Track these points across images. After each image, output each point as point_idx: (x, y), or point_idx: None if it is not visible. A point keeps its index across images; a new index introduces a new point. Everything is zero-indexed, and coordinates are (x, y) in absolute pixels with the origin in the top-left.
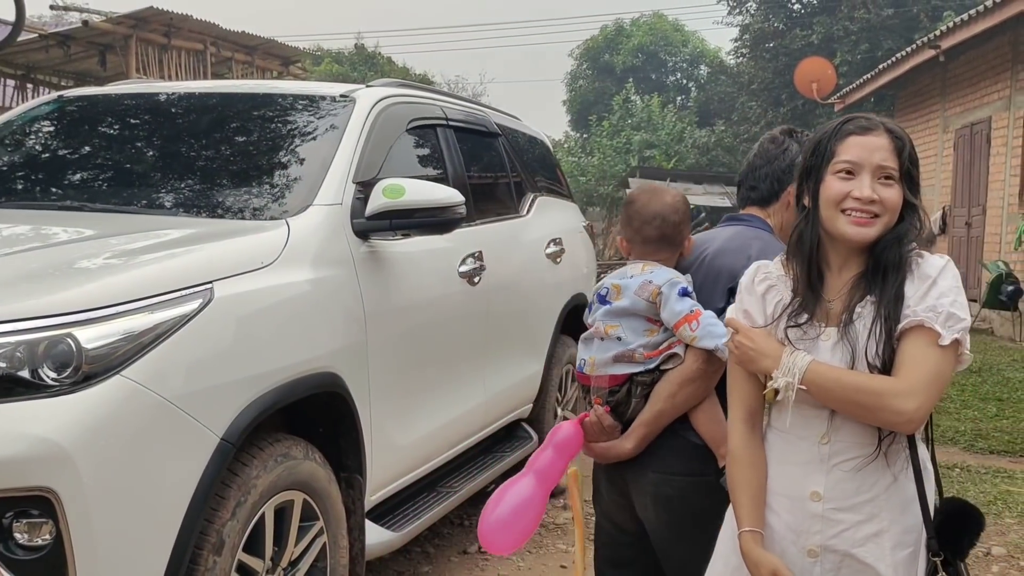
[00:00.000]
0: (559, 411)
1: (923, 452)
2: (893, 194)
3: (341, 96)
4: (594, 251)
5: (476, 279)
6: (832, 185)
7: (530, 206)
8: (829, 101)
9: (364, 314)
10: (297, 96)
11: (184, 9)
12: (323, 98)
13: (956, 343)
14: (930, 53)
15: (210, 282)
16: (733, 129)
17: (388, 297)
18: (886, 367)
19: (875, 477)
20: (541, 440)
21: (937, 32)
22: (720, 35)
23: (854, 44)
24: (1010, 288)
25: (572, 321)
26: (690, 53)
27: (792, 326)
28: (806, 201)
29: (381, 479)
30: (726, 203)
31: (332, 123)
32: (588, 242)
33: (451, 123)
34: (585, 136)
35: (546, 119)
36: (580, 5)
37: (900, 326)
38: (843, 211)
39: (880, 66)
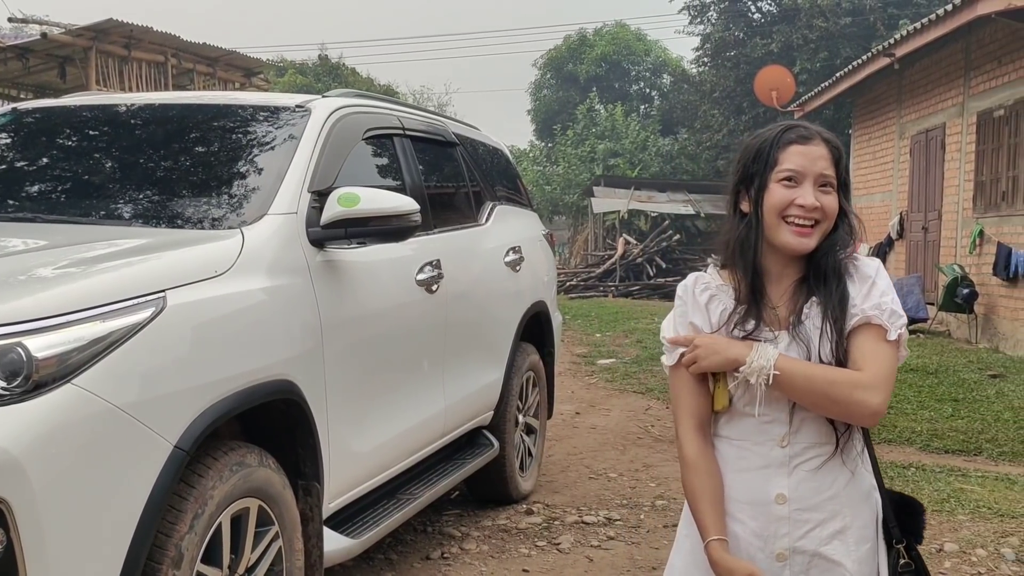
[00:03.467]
0: (520, 418)
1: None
2: (832, 201)
3: (297, 107)
4: (554, 259)
5: (434, 287)
6: (776, 192)
7: (489, 215)
8: (789, 108)
9: (320, 322)
10: (253, 107)
11: (145, 21)
12: (279, 109)
13: (899, 338)
14: (885, 61)
15: (163, 291)
16: (696, 137)
17: (344, 305)
18: (840, 364)
19: (835, 474)
20: (502, 448)
21: (892, 40)
22: (682, 44)
23: (813, 52)
24: (965, 291)
25: (532, 329)
26: (653, 62)
27: (742, 334)
28: (744, 207)
29: (339, 486)
30: (690, 211)
31: (288, 133)
32: (548, 250)
33: (408, 133)
34: (550, 145)
35: (511, 129)
36: (543, 15)
37: (849, 324)
38: (785, 219)
39: (838, 74)
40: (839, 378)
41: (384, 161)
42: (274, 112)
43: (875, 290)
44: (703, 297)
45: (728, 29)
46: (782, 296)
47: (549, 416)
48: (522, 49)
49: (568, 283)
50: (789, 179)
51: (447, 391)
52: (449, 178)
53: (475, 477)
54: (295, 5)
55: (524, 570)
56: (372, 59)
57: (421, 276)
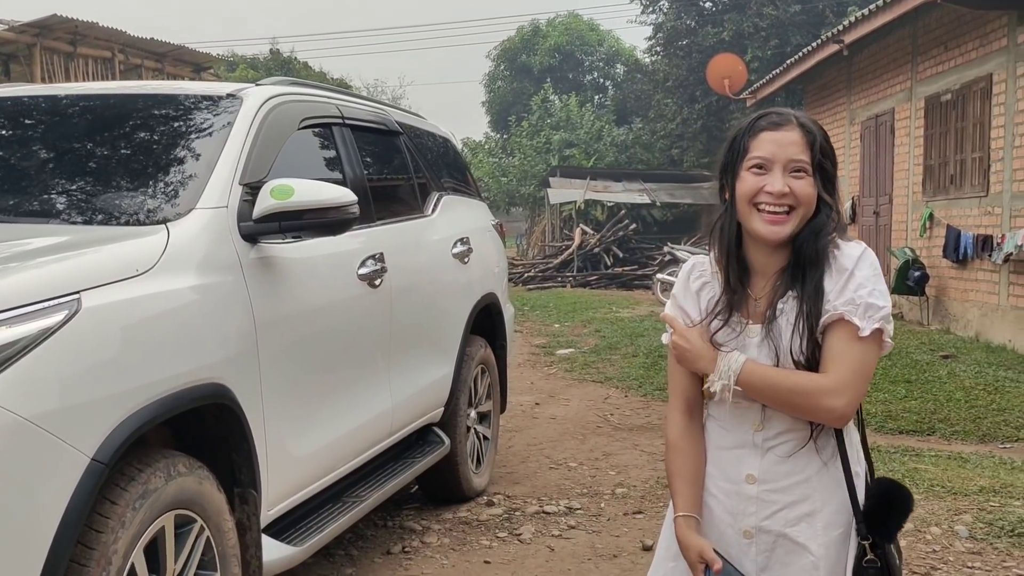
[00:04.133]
0: (472, 413)
1: (855, 436)
2: (804, 187)
3: (228, 95)
4: (504, 250)
5: (377, 281)
6: (746, 180)
7: (435, 206)
8: (741, 96)
9: (254, 321)
10: (182, 96)
11: (93, 17)
12: (210, 98)
13: (878, 332)
14: (835, 47)
15: (77, 292)
16: (650, 126)
17: (280, 303)
18: (811, 362)
19: (807, 459)
20: (454, 445)
21: (841, 27)
22: (635, 34)
23: (764, 40)
24: (917, 274)
25: (483, 322)
26: (606, 52)
27: (720, 325)
28: (726, 195)
29: (279, 492)
30: (646, 200)
31: (218, 123)
32: (498, 241)
33: (348, 122)
34: (505, 137)
35: (466, 121)
36: (496, 6)
37: (822, 320)
38: (757, 207)
39: (788, 61)
40: (802, 386)
41: (322, 151)
42: (204, 101)
43: (851, 282)
44: (695, 284)
45: (680, 18)
46: (765, 287)
47: (502, 410)
48: (476, 41)
49: (526, 274)
50: (759, 166)
51: (394, 389)
52: (393, 168)
53: (427, 475)
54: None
55: (486, 561)
56: (325, 53)
57: (363, 270)
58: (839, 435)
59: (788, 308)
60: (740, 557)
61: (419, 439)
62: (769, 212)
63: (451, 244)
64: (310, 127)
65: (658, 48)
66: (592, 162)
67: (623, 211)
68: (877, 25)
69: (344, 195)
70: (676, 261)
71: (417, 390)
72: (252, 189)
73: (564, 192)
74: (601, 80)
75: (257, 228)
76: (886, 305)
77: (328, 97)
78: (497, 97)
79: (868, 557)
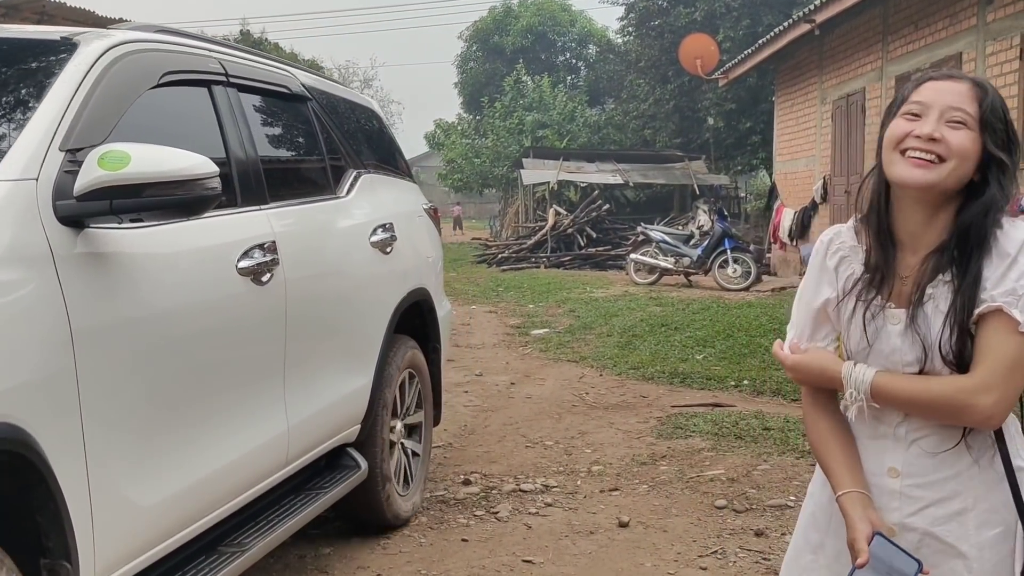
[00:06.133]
0: (399, 427)
1: (1016, 427)
2: (961, 138)
3: (63, 40)
4: (439, 237)
5: (266, 277)
6: (896, 125)
7: (352, 185)
8: (713, 77)
9: (71, 332)
10: (3, 41)
11: None
12: (38, 43)
13: None
14: (806, 27)
15: None
16: (623, 107)
17: (114, 306)
18: (960, 358)
19: (956, 454)
20: (372, 468)
21: (812, 6)
22: (607, 14)
23: (736, 20)
24: None
25: (413, 320)
26: (578, 33)
27: (859, 306)
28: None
29: (114, 557)
30: (619, 180)
31: (43, 74)
32: (431, 227)
33: (234, 80)
34: (478, 118)
35: (438, 102)
36: None
37: (977, 311)
38: (903, 153)
39: (760, 41)
40: (943, 395)
41: (194, 115)
42: (30, 47)
43: (1013, 271)
44: (833, 260)
45: None
46: (914, 266)
47: (437, 422)
48: (448, 21)
49: (500, 255)
50: (914, 113)
51: (291, 408)
52: (295, 140)
53: (343, 501)
54: None
55: (463, 540)
56: (296, 34)
57: (246, 263)
58: (998, 434)
59: (939, 294)
60: None
61: (330, 463)
62: (914, 157)
63: (370, 231)
64: (177, 83)
65: (630, 28)
66: (565, 143)
67: (596, 192)
68: (848, 5)
69: (199, 165)
70: (649, 241)
71: (323, 407)
72: (79, 158)
73: (537, 173)
74: (574, 61)
75: (80, 208)
76: None
77: (207, 50)
78: (469, 78)
79: None
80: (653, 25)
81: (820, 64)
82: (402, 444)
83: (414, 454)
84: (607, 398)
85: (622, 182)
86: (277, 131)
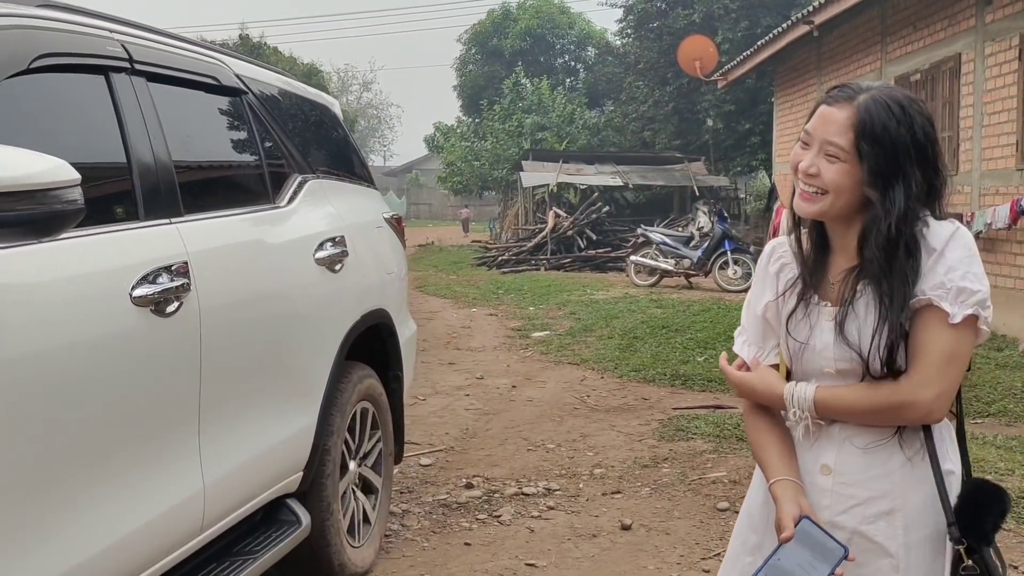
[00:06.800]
0: (352, 468)
1: (948, 430)
2: (832, 173)
3: None
4: (403, 251)
5: (172, 306)
6: (793, 152)
7: (294, 193)
8: (712, 78)
9: None
10: None
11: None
12: None
13: (972, 318)
14: (805, 28)
15: None
16: (622, 109)
17: None
18: (890, 353)
19: (888, 454)
20: (317, 522)
21: (811, 8)
22: (605, 16)
23: (734, 22)
24: None
25: (370, 346)
26: (577, 35)
27: (795, 304)
28: None
29: None
30: (618, 182)
31: None
32: (394, 240)
33: (141, 68)
34: (477, 121)
35: (437, 105)
36: None
37: (909, 304)
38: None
39: (759, 43)
40: (881, 401)
41: (80, 109)
42: None
43: (941, 265)
44: (774, 266)
45: (650, 0)
46: (844, 267)
47: (398, 460)
48: (447, 24)
49: (500, 258)
50: (804, 142)
51: (207, 464)
52: (222, 140)
53: (284, 558)
54: None
55: (466, 543)
56: (295, 38)
57: (144, 290)
58: (927, 428)
59: (868, 290)
60: None
61: (266, 518)
62: (801, 189)
63: (315, 245)
64: (57, 69)
65: (629, 30)
66: (564, 145)
67: (596, 194)
68: (847, 6)
69: (52, 170)
70: (649, 243)
71: (252, 457)
72: None
73: (537, 175)
74: (572, 63)
75: None
76: (981, 288)
77: (105, 31)
78: (468, 81)
79: (965, 564)
80: (652, 27)
81: (819, 65)
82: (355, 489)
83: (370, 494)
84: (608, 400)
85: (622, 184)
86: (199, 129)
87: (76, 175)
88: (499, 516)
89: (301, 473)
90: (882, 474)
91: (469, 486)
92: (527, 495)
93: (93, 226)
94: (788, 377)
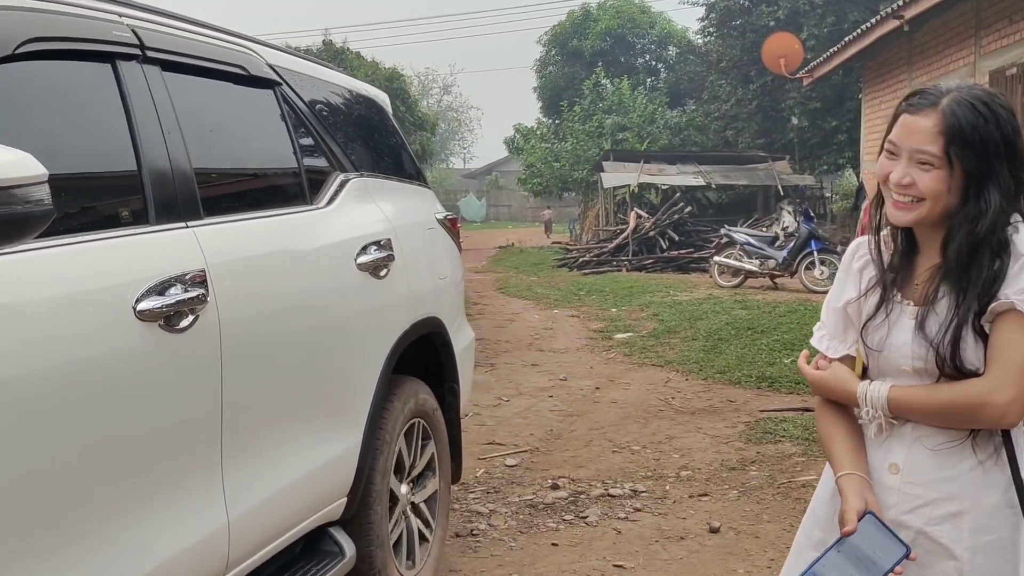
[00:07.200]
0: (403, 488)
1: None
2: (929, 181)
3: None
4: (459, 254)
5: (185, 321)
6: (881, 163)
7: (336, 193)
8: (798, 76)
9: None
10: None
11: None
12: None
13: None
14: (894, 23)
15: None
16: (704, 108)
17: None
18: (955, 352)
19: (959, 456)
20: (363, 553)
21: (901, 2)
22: (686, 15)
23: (820, 18)
24: None
25: (423, 357)
26: (658, 34)
27: (877, 303)
28: None
29: None
30: (700, 182)
31: None
32: (448, 242)
33: (154, 55)
34: (557, 122)
35: (518, 107)
36: None
37: (990, 308)
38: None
39: (846, 39)
40: (956, 401)
41: (80, 100)
42: None
43: None
44: (858, 263)
45: None
46: (929, 267)
47: (455, 480)
48: (526, 27)
49: (581, 259)
50: (891, 152)
51: (232, 496)
52: (252, 136)
53: None
54: None
55: (553, 544)
56: (377, 43)
57: (151, 303)
58: (1005, 433)
59: (951, 291)
60: None
61: (306, 549)
62: (895, 199)
63: (356, 249)
64: (52, 55)
65: (711, 29)
66: (645, 145)
67: (678, 194)
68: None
69: (10, 164)
70: (733, 243)
71: (286, 485)
72: None
73: (617, 176)
74: (653, 63)
75: None
76: None
77: (109, 12)
78: (548, 82)
79: None
80: (734, 25)
81: (909, 60)
82: (407, 511)
83: (425, 521)
84: (693, 402)
85: (704, 184)
86: (224, 124)
87: (42, 170)
88: (585, 517)
89: (345, 499)
90: (951, 476)
91: (555, 487)
92: (613, 496)
93: (90, 232)
94: (863, 375)
